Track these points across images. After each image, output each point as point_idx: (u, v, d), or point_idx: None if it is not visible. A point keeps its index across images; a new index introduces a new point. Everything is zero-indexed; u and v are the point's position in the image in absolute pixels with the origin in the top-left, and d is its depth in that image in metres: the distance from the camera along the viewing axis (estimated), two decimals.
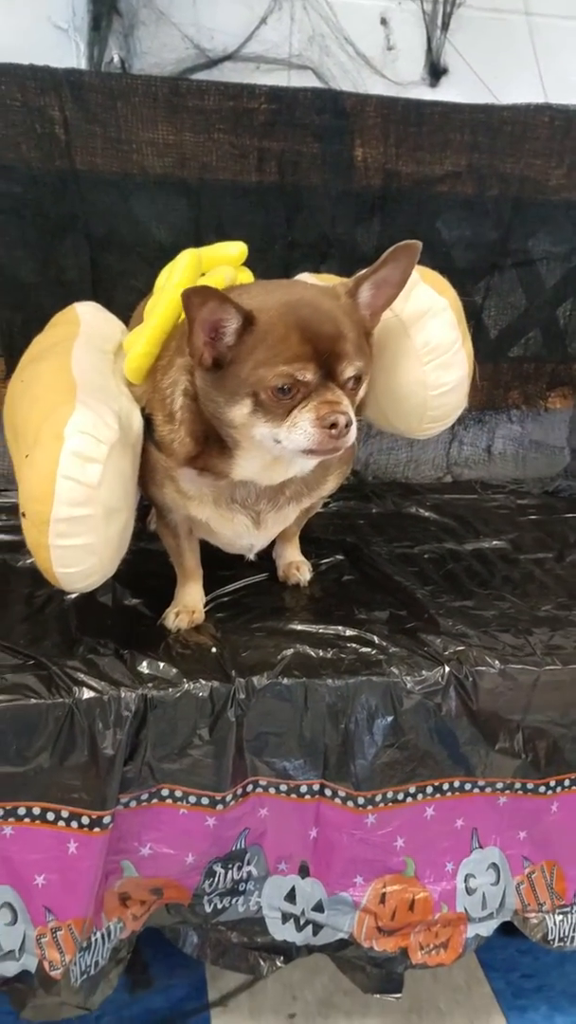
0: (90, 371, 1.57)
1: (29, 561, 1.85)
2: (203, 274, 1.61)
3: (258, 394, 1.39)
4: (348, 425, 1.37)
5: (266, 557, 1.90)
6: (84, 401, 1.45)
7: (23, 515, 1.41)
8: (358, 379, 1.45)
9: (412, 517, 2.35)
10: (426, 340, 1.61)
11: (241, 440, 1.48)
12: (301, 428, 1.38)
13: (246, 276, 1.70)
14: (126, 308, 1.91)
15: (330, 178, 2.25)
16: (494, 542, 2.19)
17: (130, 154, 2.13)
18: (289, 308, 1.41)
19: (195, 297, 1.35)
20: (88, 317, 1.84)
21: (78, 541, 1.39)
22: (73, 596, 1.75)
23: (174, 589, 1.77)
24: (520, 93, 2.35)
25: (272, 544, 1.89)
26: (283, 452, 1.45)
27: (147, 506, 2.00)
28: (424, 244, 2.29)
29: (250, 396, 1.39)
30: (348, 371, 1.41)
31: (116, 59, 2.17)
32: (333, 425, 1.36)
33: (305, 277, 1.91)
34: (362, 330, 1.48)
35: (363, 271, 1.50)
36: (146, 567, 1.87)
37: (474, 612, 1.82)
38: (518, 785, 1.68)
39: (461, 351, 1.65)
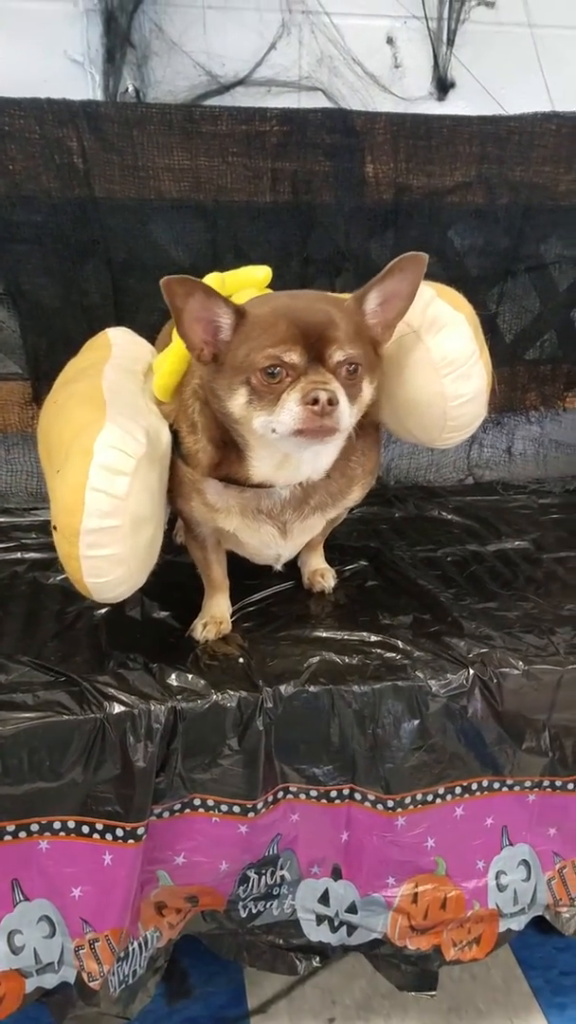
0: (120, 391, 1.63)
1: (59, 578, 1.90)
2: (228, 297, 1.66)
3: (250, 380, 1.43)
4: (333, 403, 1.39)
5: (291, 566, 1.93)
6: (113, 418, 1.50)
7: (55, 528, 1.46)
8: (353, 369, 1.46)
9: (435, 520, 2.37)
10: (444, 353, 1.64)
11: (248, 437, 1.53)
12: (288, 408, 1.41)
13: None
14: (149, 329, 1.97)
15: (342, 195, 2.29)
16: (516, 542, 2.21)
17: (147, 180, 2.19)
18: (283, 304, 1.49)
19: (178, 287, 1.42)
20: (119, 341, 1.90)
21: (107, 551, 1.43)
22: (103, 611, 1.80)
23: (202, 601, 1.81)
24: (527, 103, 2.37)
25: (297, 553, 1.93)
26: (284, 444, 1.48)
27: (173, 520, 2.05)
28: (437, 254, 2.39)
29: (244, 384, 1.45)
30: (337, 355, 1.44)
31: (131, 89, 2.23)
32: (315, 401, 1.38)
33: None
34: (364, 332, 1.52)
35: (371, 281, 1.53)
36: (174, 580, 1.90)
37: (498, 613, 1.84)
38: (547, 783, 1.70)
39: (479, 362, 1.67)
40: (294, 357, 1.42)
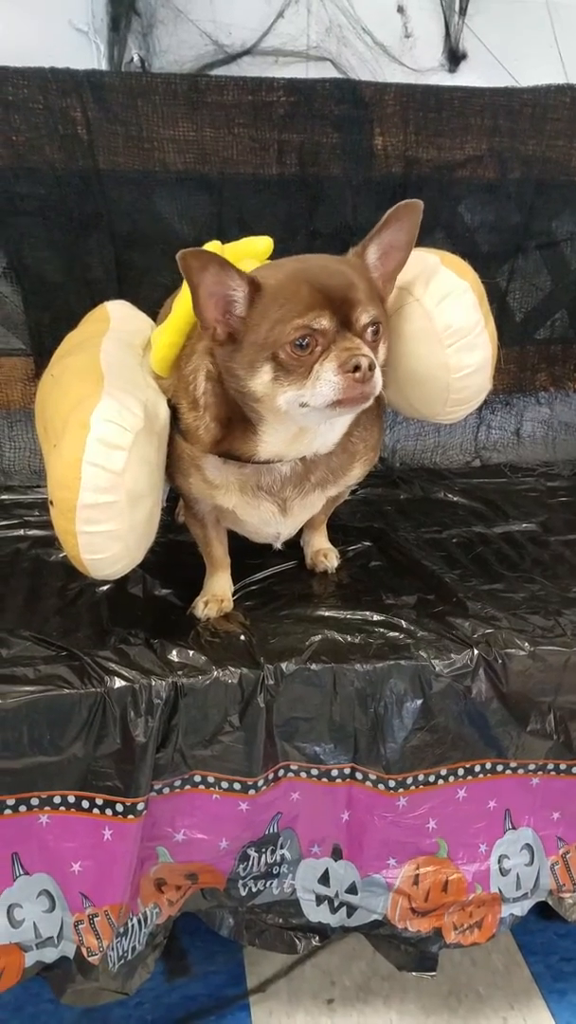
0: (118, 364, 1.60)
1: (61, 556, 1.89)
2: None
3: (277, 355, 1.39)
4: (372, 368, 1.36)
5: (294, 545, 1.92)
6: (110, 392, 1.47)
7: (51, 503, 1.44)
8: (376, 330, 1.44)
9: (440, 502, 2.34)
10: (448, 323, 1.60)
11: (266, 413, 1.49)
12: (325, 379, 1.37)
13: None
14: (152, 304, 1.94)
15: (351, 167, 2.26)
16: (524, 525, 2.18)
17: (152, 152, 2.15)
18: (297, 269, 1.44)
19: (193, 260, 1.36)
20: (118, 314, 1.87)
21: (104, 527, 1.41)
22: (105, 588, 1.78)
23: (203, 579, 1.79)
24: (540, 75, 2.33)
25: (300, 532, 1.91)
26: (309, 418, 1.45)
27: (175, 498, 2.03)
28: (447, 229, 2.35)
29: (270, 360, 1.40)
30: (364, 317, 1.41)
31: (136, 58, 2.20)
32: (356, 368, 1.35)
33: None
34: (374, 288, 1.49)
35: (369, 234, 1.50)
36: (176, 558, 1.90)
37: (503, 595, 1.82)
38: (551, 766, 1.68)
39: (483, 332, 1.64)
40: (324, 323, 1.38)
